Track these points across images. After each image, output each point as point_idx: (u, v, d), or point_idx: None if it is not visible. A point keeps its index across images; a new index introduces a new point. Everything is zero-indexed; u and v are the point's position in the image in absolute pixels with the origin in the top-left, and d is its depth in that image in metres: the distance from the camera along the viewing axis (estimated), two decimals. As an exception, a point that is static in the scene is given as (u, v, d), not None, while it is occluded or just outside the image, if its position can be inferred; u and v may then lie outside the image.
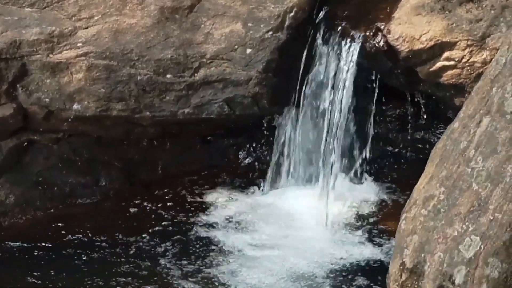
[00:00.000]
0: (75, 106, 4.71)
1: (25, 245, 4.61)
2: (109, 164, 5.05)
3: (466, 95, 4.32)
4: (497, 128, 3.44)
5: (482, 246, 3.30)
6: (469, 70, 4.60)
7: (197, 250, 4.61)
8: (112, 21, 4.72)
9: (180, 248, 4.61)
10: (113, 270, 4.42)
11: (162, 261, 4.50)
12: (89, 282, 4.33)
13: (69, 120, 4.77)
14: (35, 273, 4.38)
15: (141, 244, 4.66)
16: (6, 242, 4.61)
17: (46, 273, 4.39)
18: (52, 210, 4.87)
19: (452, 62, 4.62)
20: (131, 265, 4.45)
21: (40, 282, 4.33)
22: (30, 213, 4.84)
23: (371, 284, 4.29)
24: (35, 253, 4.55)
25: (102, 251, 4.57)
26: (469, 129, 3.56)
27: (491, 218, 3.31)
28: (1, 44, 4.63)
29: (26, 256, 4.52)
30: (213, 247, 4.64)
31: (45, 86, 4.71)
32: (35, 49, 4.66)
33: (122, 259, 4.51)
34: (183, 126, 4.95)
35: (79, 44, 4.67)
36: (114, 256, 4.54)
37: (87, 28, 4.71)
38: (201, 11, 4.76)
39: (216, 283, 4.33)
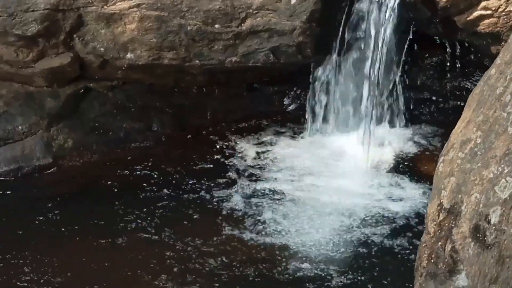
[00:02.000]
0: (128, 55, 4.75)
1: (82, 184, 4.71)
2: (161, 110, 5.07)
3: (502, 43, 4.37)
4: None
5: None
6: (505, 19, 4.56)
7: (245, 189, 4.65)
8: None
9: (227, 186, 4.65)
10: (163, 206, 4.50)
11: (207, 196, 4.56)
12: (142, 215, 4.42)
13: (123, 68, 4.82)
14: (94, 209, 4.50)
15: (191, 182, 4.70)
16: (66, 182, 4.70)
17: (103, 208, 4.50)
18: (106, 154, 4.91)
19: (489, 12, 4.57)
20: (180, 202, 4.52)
21: (98, 216, 4.43)
22: (87, 156, 4.89)
23: (410, 223, 4.33)
24: (92, 192, 4.65)
25: (154, 190, 4.64)
26: (505, 75, 3.53)
27: None
28: None
29: (85, 194, 4.62)
30: (260, 186, 4.67)
31: (100, 36, 4.73)
32: (90, 1, 4.65)
33: (174, 198, 4.57)
34: (230, 74, 4.96)
35: None
36: (165, 196, 4.60)
37: None
38: None
39: (256, 223, 4.38)
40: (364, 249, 4.21)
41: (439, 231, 3.55)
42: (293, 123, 5.13)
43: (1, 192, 4.69)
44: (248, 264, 4.10)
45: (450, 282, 3.45)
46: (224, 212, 4.46)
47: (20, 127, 4.87)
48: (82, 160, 4.89)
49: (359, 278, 4.03)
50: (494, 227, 3.34)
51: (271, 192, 4.62)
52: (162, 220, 4.43)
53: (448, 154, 3.61)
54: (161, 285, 3.93)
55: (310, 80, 4.97)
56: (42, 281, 3.92)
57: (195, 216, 4.45)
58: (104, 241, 4.25)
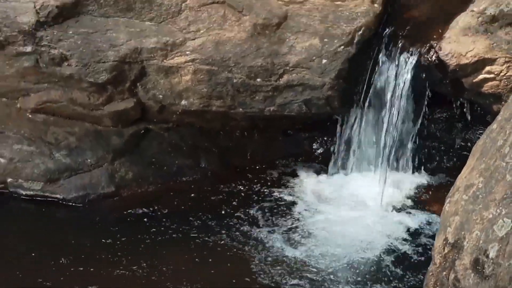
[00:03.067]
0: (183, 102, 4.78)
1: (140, 210, 4.71)
2: (208, 150, 5.07)
3: (503, 102, 4.35)
4: None
5: None
6: (506, 82, 4.57)
7: (279, 216, 4.67)
8: (214, 34, 4.70)
9: (265, 215, 4.68)
10: (208, 230, 4.52)
11: (244, 220, 4.61)
12: (189, 237, 4.45)
13: (178, 113, 4.85)
14: (149, 231, 4.52)
15: (233, 212, 4.71)
16: (126, 209, 4.71)
17: (156, 231, 4.51)
18: (161, 185, 4.91)
19: (492, 75, 4.58)
20: (223, 226, 4.55)
21: (152, 236, 4.46)
22: (145, 187, 4.90)
23: (417, 255, 4.31)
24: (148, 217, 4.65)
25: (201, 219, 4.63)
26: (505, 130, 3.55)
27: None
28: (126, 51, 4.67)
29: (142, 219, 4.63)
30: (291, 214, 4.68)
31: (159, 85, 4.77)
32: (152, 55, 4.69)
33: (218, 226, 4.57)
34: (268, 121, 4.95)
35: (187, 52, 4.68)
36: (211, 222, 4.61)
37: (194, 39, 4.69)
38: (286, 28, 4.71)
39: (294, 239, 4.43)
40: (368, 271, 4.22)
41: (444, 262, 3.57)
42: (321, 163, 5.11)
43: (70, 214, 4.73)
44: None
45: (452, 307, 3.45)
46: (256, 230, 4.53)
47: (88, 160, 4.87)
48: (140, 190, 4.88)
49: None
50: (492, 261, 3.34)
51: (299, 219, 4.64)
52: (206, 240, 4.44)
53: (453, 196, 3.63)
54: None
55: (337, 128, 4.96)
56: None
57: (236, 234, 4.50)
58: (157, 259, 4.25)
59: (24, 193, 4.84)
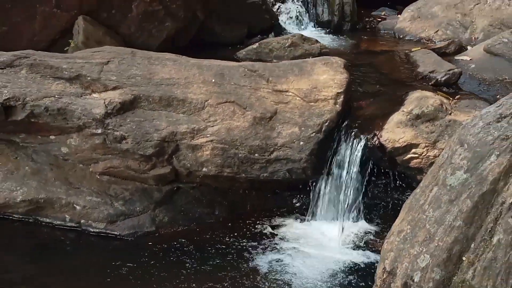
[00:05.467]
0: (204, 169, 4.78)
1: (173, 244, 4.68)
2: (221, 202, 5.04)
3: (424, 174, 4.36)
4: (441, 194, 3.49)
5: (430, 261, 3.38)
6: (426, 160, 4.65)
7: (271, 245, 4.68)
8: (226, 123, 4.74)
9: (261, 246, 4.68)
10: (222, 259, 4.49)
11: (246, 250, 4.59)
12: (208, 265, 4.40)
13: (200, 177, 4.84)
14: (178, 260, 4.48)
15: (238, 245, 4.67)
16: (162, 243, 4.68)
17: (184, 260, 4.47)
18: (187, 227, 4.87)
19: (416, 155, 4.67)
20: (234, 257, 4.51)
21: (180, 263, 4.42)
22: (176, 228, 4.84)
23: (366, 277, 4.32)
24: (179, 249, 4.61)
25: (216, 251, 4.57)
26: (425, 193, 3.61)
27: (436, 245, 3.39)
28: (165, 133, 4.69)
29: (174, 251, 4.58)
30: (278, 244, 4.71)
31: (188, 157, 4.76)
32: (184, 137, 4.71)
33: (227, 255, 4.54)
34: (262, 183, 4.94)
35: (208, 135, 4.71)
36: (223, 252, 4.58)
37: (213, 126, 4.73)
38: (276, 120, 4.77)
39: (261, 272, 4.40)
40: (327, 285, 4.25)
41: (383, 284, 3.63)
42: (298, 213, 5.07)
43: (124, 246, 4.72)
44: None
45: (388, 316, 3.50)
46: (253, 257, 4.53)
47: (137, 208, 4.87)
48: (172, 229, 4.84)
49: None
50: (416, 284, 3.45)
51: (283, 246, 4.67)
52: (220, 264, 4.43)
53: (390, 238, 3.70)
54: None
55: (310, 189, 4.97)
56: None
57: (240, 260, 4.49)
58: (183, 279, 4.27)
59: (92, 230, 4.83)
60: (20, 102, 4.69)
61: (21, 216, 4.87)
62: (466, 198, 3.42)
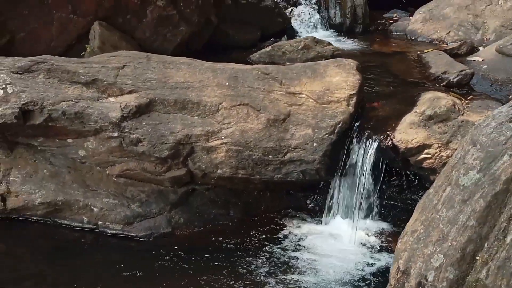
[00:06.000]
0: (218, 171, 4.78)
1: (188, 245, 4.71)
2: (235, 203, 5.04)
3: (437, 174, 4.33)
4: (454, 194, 3.48)
5: (444, 260, 3.38)
6: (439, 160, 4.62)
7: (284, 245, 4.70)
8: (240, 125, 4.73)
9: (275, 244, 4.70)
10: (237, 256, 4.51)
11: (259, 248, 4.61)
12: (222, 264, 4.41)
13: (215, 178, 4.84)
14: (194, 259, 4.52)
15: (252, 244, 4.69)
16: (178, 243, 4.70)
17: (200, 259, 4.49)
18: (203, 228, 4.88)
19: (429, 155, 4.64)
20: (248, 254, 4.54)
21: (195, 261, 4.45)
22: (191, 229, 4.85)
23: (380, 276, 4.33)
24: (193, 249, 4.63)
25: (231, 250, 4.60)
26: (438, 193, 3.60)
27: (450, 244, 3.38)
28: (180, 136, 4.69)
29: (190, 251, 4.60)
30: (293, 243, 4.73)
31: (203, 159, 4.76)
32: (199, 139, 4.71)
33: (242, 254, 4.57)
34: (276, 184, 4.93)
35: (222, 137, 4.71)
36: (237, 252, 4.59)
37: (227, 128, 4.73)
38: (289, 122, 4.76)
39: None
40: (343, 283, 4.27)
41: (397, 284, 3.62)
42: (312, 213, 5.07)
43: (140, 246, 4.74)
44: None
45: (403, 314, 3.49)
46: (268, 257, 4.56)
47: (154, 210, 4.89)
48: (188, 230, 4.86)
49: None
50: (430, 283, 3.45)
51: (299, 244, 4.69)
52: (234, 261, 4.46)
53: (403, 238, 3.69)
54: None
55: (323, 190, 4.98)
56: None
57: (256, 260, 4.50)
58: (197, 275, 4.31)
59: (109, 231, 4.86)
60: (38, 107, 4.73)
61: (40, 218, 4.93)
62: (479, 198, 3.40)
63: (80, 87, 4.83)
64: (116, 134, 4.76)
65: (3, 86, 4.74)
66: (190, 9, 6.06)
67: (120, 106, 4.74)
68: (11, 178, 4.92)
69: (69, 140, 4.91)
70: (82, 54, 5.72)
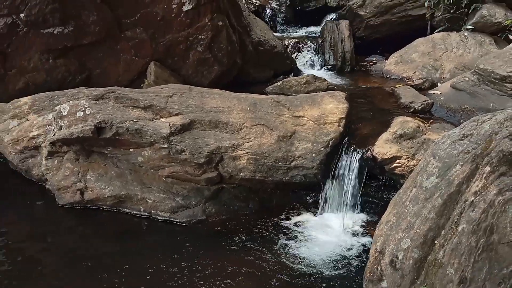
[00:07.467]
0: (241, 174, 4.76)
1: (218, 228, 4.65)
2: (253, 199, 4.98)
3: (406, 178, 4.35)
4: (419, 193, 3.47)
5: (410, 244, 3.36)
6: (407, 168, 4.60)
7: (291, 229, 4.59)
8: (258, 140, 4.74)
9: (283, 231, 4.59)
10: (255, 239, 4.43)
11: (272, 234, 4.49)
12: (246, 244, 4.36)
13: (238, 179, 4.81)
14: (221, 239, 4.46)
15: (266, 230, 4.59)
16: (211, 227, 4.66)
17: (226, 239, 4.42)
18: (229, 216, 4.77)
19: (400, 164, 4.63)
20: (265, 238, 4.48)
21: (223, 241, 4.39)
22: (221, 217, 4.78)
23: (362, 255, 4.26)
24: (222, 232, 4.54)
25: (252, 232, 4.52)
26: (406, 193, 3.59)
27: (415, 232, 3.36)
28: (213, 147, 4.69)
29: (220, 234, 4.54)
30: (296, 229, 4.62)
31: (230, 165, 4.75)
32: (227, 150, 4.72)
33: (259, 237, 4.49)
34: (284, 185, 4.90)
35: (244, 148, 4.71)
36: (255, 235, 4.50)
37: (248, 142, 4.74)
38: (295, 138, 4.76)
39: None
40: (329, 261, 4.18)
41: (375, 261, 3.58)
42: (311, 207, 4.99)
43: (182, 229, 4.69)
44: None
45: (378, 285, 3.50)
46: (277, 239, 4.46)
47: (192, 202, 4.82)
48: (218, 218, 4.80)
49: (324, 274, 3.99)
50: (400, 261, 3.41)
51: (291, 238, 4.54)
52: (253, 244, 4.38)
53: (380, 226, 3.66)
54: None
55: (321, 189, 4.91)
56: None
57: (268, 241, 4.41)
58: (223, 255, 4.23)
59: (160, 218, 4.83)
60: (108, 124, 4.78)
61: (108, 207, 4.93)
62: (437, 197, 3.40)
63: (139, 110, 4.87)
64: (165, 145, 4.77)
65: (83, 109, 4.82)
66: (222, 53, 6.12)
67: (169, 125, 4.77)
68: (87, 177, 4.95)
69: (131, 150, 4.93)
70: (141, 86, 5.79)
